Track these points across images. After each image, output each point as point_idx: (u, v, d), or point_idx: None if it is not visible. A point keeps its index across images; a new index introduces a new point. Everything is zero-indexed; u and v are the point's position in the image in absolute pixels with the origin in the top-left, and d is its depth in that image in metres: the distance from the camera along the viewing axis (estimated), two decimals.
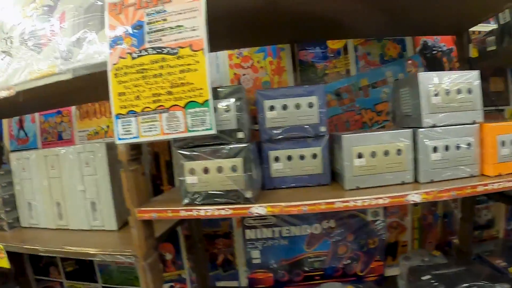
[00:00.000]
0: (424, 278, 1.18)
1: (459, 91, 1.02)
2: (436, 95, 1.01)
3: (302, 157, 1.08)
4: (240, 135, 0.98)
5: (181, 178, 0.97)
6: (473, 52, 1.32)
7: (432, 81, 1.02)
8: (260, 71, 1.39)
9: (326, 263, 1.30)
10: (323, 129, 1.07)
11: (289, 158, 1.08)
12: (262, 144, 1.09)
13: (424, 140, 1.01)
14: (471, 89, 1.03)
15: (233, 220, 1.40)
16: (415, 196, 0.96)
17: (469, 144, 1.02)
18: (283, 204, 0.94)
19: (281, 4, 1.02)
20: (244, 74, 1.38)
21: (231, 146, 0.96)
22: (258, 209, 0.94)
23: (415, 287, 1.15)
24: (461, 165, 1.03)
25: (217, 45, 1.27)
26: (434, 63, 1.49)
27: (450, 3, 1.10)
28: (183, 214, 0.96)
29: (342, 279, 1.32)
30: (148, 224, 1.02)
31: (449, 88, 1.02)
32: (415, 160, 1.03)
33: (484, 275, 1.15)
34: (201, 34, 0.86)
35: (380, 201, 0.96)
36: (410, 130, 1.03)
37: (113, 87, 0.91)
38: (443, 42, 1.49)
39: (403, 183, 1.03)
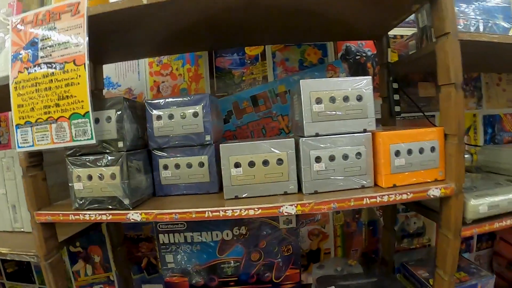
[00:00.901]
0: None
1: (346, 99, 0.88)
2: (318, 102, 0.87)
3: (189, 166, 0.97)
4: (120, 144, 0.91)
5: (70, 184, 0.93)
6: (391, 57, 1.17)
7: (315, 88, 0.88)
8: (179, 78, 1.28)
9: (240, 270, 1.18)
10: (208, 138, 0.95)
11: (177, 166, 0.98)
12: (152, 153, 0.98)
13: (306, 150, 0.88)
14: (361, 96, 0.89)
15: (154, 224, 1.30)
16: (289, 208, 0.84)
17: (359, 154, 0.88)
18: (155, 211, 0.87)
19: (199, 12, 0.94)
20: (163, 82, 1.27)
21: (110, 155, 0.90)
22: (134, 216, 0.88)
23: None
24: (351, 176, 0.89)
25: (138, 52, 1.17)
26: (357, 69, 1.34)
27: (361, 6, 0.96)
28: (72, 218, 0.92)
29: (257, 285, 1.19)
30: (48, 226, 0.98)
31: (335, 95, 0.88)
32: (299, 170, 0.90)
33: None
34: (82, 49, 0.84)
35: (251, 212, 0.85)
36: (291, 139, 0.90)
37: (13, 99, 0.89)
38: (368, 47, 1.33)
39: (285, 194, 0.91)
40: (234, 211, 0.85)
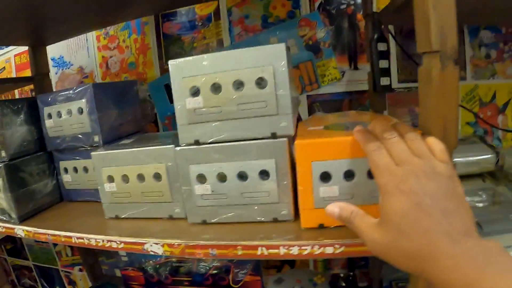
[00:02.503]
0: None
1: (239, 85, 0.47)
2: (195, 94, 0.48)
3: (85, 170, 0.67)
4: (3, 153, 0.66)
5: None
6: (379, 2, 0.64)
7: (190, 72, 0.48)
8: (126, 51, 0.93)
9: (193, 269, 0.89)
10: (96, 138, 0.63)
11: (75, 170, 0.68)
12: (53, 154, 0.70)
13: (184, 164, 0.50)
14: (264, 79, 0.47)
15: None
16: (154, 247, 0.50)
17: (265, 173, 0.48)
18: (35, 229, 0.62)
19: None
20: (111, 57, 0.94)
21: None
22: (19, 231, 0.64)
23: None
24: (256, 204, 0.49)
25: (78, 26, 0.86)
26: (341, 23, 0.80)
27: None
28: None
29: None
30: None
31: (220, 80, 0.47)
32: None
33: None
34: None
35: (114, 245, 0.54)
36: (171, 147, 0.52)
37: None
38: None
39: (171, 218, 0.55)
40: (97, 241, 0.55)
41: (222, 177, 0.49)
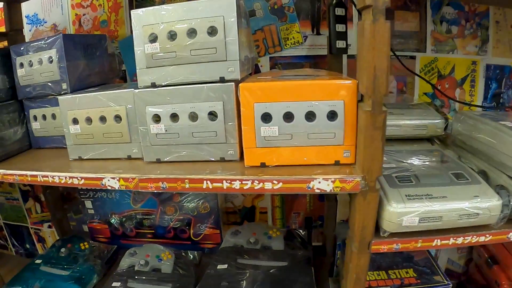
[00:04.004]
0: (220, 267, 0.78)
1: (192, 33, 0.54)
2: (153, 40, 0.55)
3: (54, 117, 0.74)
4: None
5: None
6: None
7: (149, 20, 0.55)
8: (99, 10, 0.99)
9: (156, 222, 0.98)
10: (64, 86, 0.70)
11: (44, 117, 0.75)
12: (23, 103, 0.78)
13: (141, 105, 0.58)
14: (215, 28, 0.54)
15: None
16: (111, 182, 0.58)
17: (213, 114, 0.55)
18: (3, 171, 0.67)
19: None
20: (84, 14, 1.00)
21: None
22: None
23: (206, 276, 0.77)
24: (204, 144, 0.57)
25: None
26: None
27: None
28: None
29: (175, 241, 0.98)
30: None
31: (175, 29, 0.54)
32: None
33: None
34: None
35: (75, 181, 0.61)
36: (130, 91, 0.59)
37: None
38: None
39: (129, 158, 0.63)
40: (60, 178, 0.62)
41: (175, 118, 0.57)
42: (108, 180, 0.58)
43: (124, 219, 1.00)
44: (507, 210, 0.55)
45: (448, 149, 0.75)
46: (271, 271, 0.76)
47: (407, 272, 0.78)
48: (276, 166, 0.55)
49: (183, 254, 0.93)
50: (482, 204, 0.54)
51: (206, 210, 0.95)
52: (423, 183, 0.58)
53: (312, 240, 1.01)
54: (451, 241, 0.56)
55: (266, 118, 0.52)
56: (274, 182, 0.51)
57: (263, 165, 0.55)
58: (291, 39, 0.90)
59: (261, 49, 0.91)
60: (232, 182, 0.52)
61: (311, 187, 0.51)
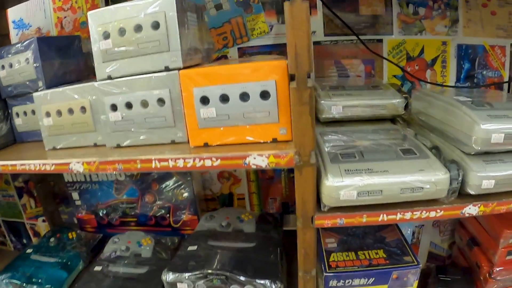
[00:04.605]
0: (190, 248, 0.89)
1: (138, 28, 0.65)
2: (106, 37, 0.66)
3: (33, 113, 0.87)
4: None
5: None
6: None
7: (102, 20, 0.66)
8: (78, 12, 1.11)
9: (138, 211, 1.11)
10: (40, 84, 0.83)
11: (25, 113, 0.89)
12: (6, 101, 0.92)
13: (100, 97, 0.69)
14: (158, 22, 0.64)
15: None
16: (77, 166, 0.69)
17: (161, 101, 0.66)
18: None
19: None
20: (65, 17, 1.13)
21: None
22: None
23: (176, 257, 0.88)
24: (156, 128, 0.68)
25: None
26: None
27: None
28: None
29: (156, 228, 1.10)
30: None
31: (124, 25, 0.65)
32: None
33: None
34: None
35: (47, 168, 0.72)
36: (91, 84, 0.71)
37: None
38: None
39: (95, 146, 0.75)
40: (35, 165, 0.74)
41: (129, 105, 0.68)
42: (74, 165, 0.69)
43: (109, 209, 1.13)
44: (456, 184, 0.61)
45: (409, 128, 0.82)
46: (238, 251, 0.85)
47: (376, 253, 0.83)
48: (218, 145, 0.65)
49: (163, 240, 1.04)
50: (426, 177, 0.59)
51: (184, 198, 1.06)
52: (366, 158, 0.64)
53: (291, 225, 1.11)
54: (398, 216, 0.62)
55: (205, 101, 0.62)
56: (213, 159, 0.61)
57: (206, 145, 0.65)
58: (257, 29, 1.00)
59: (229, 40, 1.02)
60: (177, 161, 0.62)
61: (247, 163, 0.60)
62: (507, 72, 1.00)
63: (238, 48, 1.02)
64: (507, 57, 0.99)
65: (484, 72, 1.00)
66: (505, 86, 1.01)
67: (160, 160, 0.63)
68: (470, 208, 0.61)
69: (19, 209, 1.34)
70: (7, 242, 1.42)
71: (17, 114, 0.90)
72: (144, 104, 0.67)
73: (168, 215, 1.09)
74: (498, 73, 1.00)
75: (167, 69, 0.64)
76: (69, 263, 1.00)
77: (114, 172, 0.66)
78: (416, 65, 1.00)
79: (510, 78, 1.00)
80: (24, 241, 1.39)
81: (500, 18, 0.96)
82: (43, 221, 1.31)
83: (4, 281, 0.96)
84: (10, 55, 0.85)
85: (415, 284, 0.80)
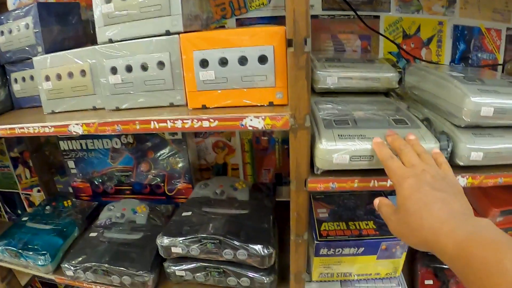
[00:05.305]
0: (184, 214, 0.93)
1: None
2: (108, 1, 0.69)
3: (32, 78, 0.90)
4: None
5: None
6: None
7: None
8: None
9: (133, 179, 1.16)
10: (40, 49, 0.85)
11: (23, 79, 0.91)
12: (5, 67, 0.94)
13: (100, 59, 0.72)
14: None
15: None
16: (76, 127, 0.72)
17: (161, 64, 0.69)
18: None
19: None
20: None
21: None
22: None
23: (171, 222, 0.92)
24: (156, 91, 0.71)
25: None
26: None
27: None
28: None
29: (151, 196, 1.15)
30: None
31: None
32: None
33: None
34: None
35: (46, 130, 0.75)
36: (92, 48, 0.74)
37: None
38: None
39: (94, 109, 0.78)
40: (34, 128, 0.77)
41: (129, 69, 0.71)
42: (73, 126, 0.72)
43: (104, 177, 1.16)
44: (446, 154, 0.64)
45: (402, 101, 0.85)
46: (232, 217, 0.89)
47: (367, 224, 0.87)
48: (216, 108, 0.68)
49: (157, 207, 1.08)
50: None
51: (179, 167, 1.09)
52: (359, 126, 0.67)
53: (284, 197, 1.15)
54: (389, 182, 0.65)
55: (204, 63, 0.65)
56: (211, 120, 0.64)
57: (204, 107, 0.68)
58: (256, 1, 1.02)
59: (228, 11, 1.04)
60: (175, 122, 0.65)
61: (244, 124, 0.63)
62: (501, 55, 1.03)
63: (236, 19, 1.04)
64: (502, 41, 1.02)
65: (479, 54, 1.04)
66: (499, 68, 1.05)
67: (159, 121, 0.66)
68: (458, 179, 0.64)
69: (14, 179, 1.37)
70: (1, 213, 1.45)
71: (16, 80, 0.92)
72: (144, 67, 0.69)
73: (163, 183, 1.13)
74: (493, 55, 1.04)
75: (167, 33, 0.67)
76: (64, 230, 1.03)
77: (113, 133, 0.69)
78: (412, 43, 1.03)
79: (505, 61, 1.03)
80: (19, 211, 1.43)
81: (497, 1, 0.99)
82: (38, 191, 1.34)
83: (0, 247, 1.00)
84: (9, 21, 0.87)
85: (403, 255, 0.85)
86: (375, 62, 0.89)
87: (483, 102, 0.61)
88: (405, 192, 0.50)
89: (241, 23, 1.04)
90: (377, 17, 1.02)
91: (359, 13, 0.99)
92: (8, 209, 1.44)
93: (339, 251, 0.84)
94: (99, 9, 0.69)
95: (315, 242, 0.82)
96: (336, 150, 0.62)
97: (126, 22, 0.68)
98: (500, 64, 1.04)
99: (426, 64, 1.02)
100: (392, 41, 1.01)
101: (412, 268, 0.96)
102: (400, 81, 0.86)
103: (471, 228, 0.42)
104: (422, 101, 0.83)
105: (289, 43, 0.58)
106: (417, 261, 0.96)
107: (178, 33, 0.67)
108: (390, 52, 1.04)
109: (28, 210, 1.40)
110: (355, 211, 0.93)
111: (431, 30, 1.02)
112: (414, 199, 0.49)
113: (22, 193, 1.39)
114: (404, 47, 1.03)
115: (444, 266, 0.92)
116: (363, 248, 0.83)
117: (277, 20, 1.02)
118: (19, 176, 1.37)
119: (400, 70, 0.85)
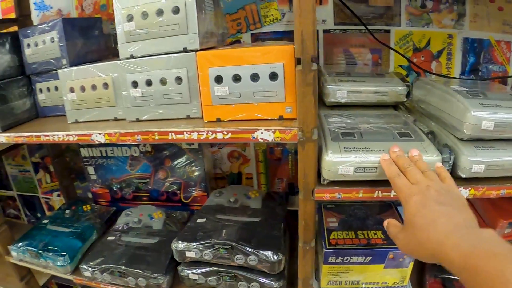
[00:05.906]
0: (199, 221, 0.98)
1: (160, 13, 0.74)
2: (130, 20, 0.75)
3: (56, 89, 0.97)
4: None
5: None
6: None
7: (127, 4, 0.75)
8: None
9: (150, 186, 1.22)
10: (64, 62, 0.92)
11: (48, 89, 0.99)
12: (30, 78, 1.01)
13: (123, 74, 0.79)
14: (178, 7, 0.73)
15: None
16: (98, 136, 0.79)
17: (179, 79, 0.75)
18: (14, 134, 0.89)
19: None
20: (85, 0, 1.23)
21: None
22: (1, 138, 0.91)
23: (186, 228, 0.98)
24: (173, 104, 0.78)
25: None
26: None
27: None
28: None
29: (167, 203, 1.21)
30: None
31: (147, 9, 0.74)
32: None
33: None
34: None
35: (71, 138, 0.82)
36: (114, 62, 0.80)
37: None
38: None
39: (115, 119, 0.85)
40: (59, 136, 0.83)
41: (149, 83, 0.77)
42: (96, 136, 0.79)
43: (123, 184, 1.23)
44: (448, 166, 0.67)
45: (410, 114, 0.89)
46: (244, 224, 0.94)
47: (375, 234, 0.90)
48: (229, 121, 0.74)
49: (173, 214, 1.14)
50: None
51: (195, 175, 1.15)
52: (365, 138, 0.71)
53: (296, 206, 1.20)
54: (392, 193, 0.69)
55: (219, 80, 0.71)
56: (224, 133, 0.70)
57: (218, 120, 0.74)
58: (270, 16, 1.08)
59: (243, 26, 1.10)
60: (191, 133, 0.71)
61: (255, 137, 0.68)
62: (511, 67, 1.06)
63: (252, 34, 1.10)
64: None
65: (489, 66, 1.06)
66: (510, 80, 1.07)
67: (176, 133, 0.72)
68: (461, 191, 0.67)
69: (35, 183, 1.45)
70: (21, 216, 1.54)
71: (41, 90, 0.99)
72: (163, 81, 0.75)
73: (179, 191, 1.19)
74: (502, 67, 1.06)
75: (185, 50, 0.73)
76: (83, 233, 1.10)
77: (133, 143, 0.75)
78: (422, 56, 1.07)
79: None
80: (38, 215, 1.51)
81: (507, 14, 1.01)
82: (58, 195, 1.42)
83: (21, 248, 1.07)
84: (36, 34, 0.95)
85: (411, 265, 0.88)
86: (385, 76, 0.93)
87: (484, 116, 0.64)
88: (412, 209, 0.55)
89: (256, 37, 1.10)
90: (388, 31, 1.06)
91: (370, 27, 1.03)
92: (27, 212, 1.52)
93: (347, 259, 0.87)
94: (121, 27, 0.75)
95: (324, 250, 0.85)
96: (341, 162, 0.66)
97: (146, 39, 0.74)
98: (510, 76, 1.06)
99: (433, 78, 1.05)
100: (402, 55, 1.05)
101: (420, 278, 0.98)
102: (409, 95, 0.89)
103: (474, 241, 0.45)
104: (428, 114, 0.87)
105: (297, 61, 0.63)
106: (426, 271, 0.98)
107: (195, 50, 0.73)
108: (400, 65, 1.08)
109: (48, 213, 1.48)
110: (365, 221, 0.96)
111: (441, 43, 1.06)
112: (420, 215, 0.53)
113: (42, 197, 1.47)
114: (415, 60, 1.07)
115: (452, 277, 0.94)
116: (370, 257, 0.86)
117: (290, 35, 1.06)
118: (40, 181, 1.45)
119: (409, 83, 0.88)
